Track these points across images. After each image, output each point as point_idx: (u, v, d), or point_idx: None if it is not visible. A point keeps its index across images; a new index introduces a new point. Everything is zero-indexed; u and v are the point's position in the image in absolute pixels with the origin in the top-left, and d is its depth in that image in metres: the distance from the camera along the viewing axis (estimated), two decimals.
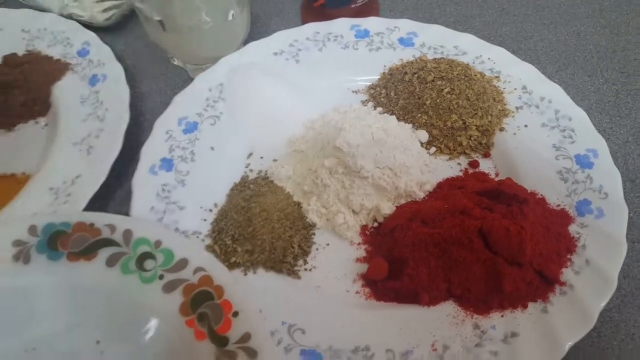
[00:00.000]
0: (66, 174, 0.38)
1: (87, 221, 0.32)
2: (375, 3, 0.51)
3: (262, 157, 0.40)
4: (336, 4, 0.48)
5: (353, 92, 0.45)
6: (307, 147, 0.39)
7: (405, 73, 0.43)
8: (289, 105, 0.43)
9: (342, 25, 0.47)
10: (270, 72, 0.44)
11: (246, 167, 0.40)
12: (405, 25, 0.47)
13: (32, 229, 0.32)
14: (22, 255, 0.31)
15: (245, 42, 0.46)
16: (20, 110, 0.43)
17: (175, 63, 0.48)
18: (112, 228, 0.32)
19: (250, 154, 0.41)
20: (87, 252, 0.31)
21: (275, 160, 0.40)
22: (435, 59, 0.44)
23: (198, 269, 0.30)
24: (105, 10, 0.48)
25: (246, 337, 0.28)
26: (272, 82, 0.43)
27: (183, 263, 0.31)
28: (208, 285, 0.30)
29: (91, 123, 0.41)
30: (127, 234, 0.32)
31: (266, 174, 0.39)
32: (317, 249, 0.36)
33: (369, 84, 0.45)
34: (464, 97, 0.41)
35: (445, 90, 0.41)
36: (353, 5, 0.48)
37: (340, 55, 0.46)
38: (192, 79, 0.46)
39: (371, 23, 0.48)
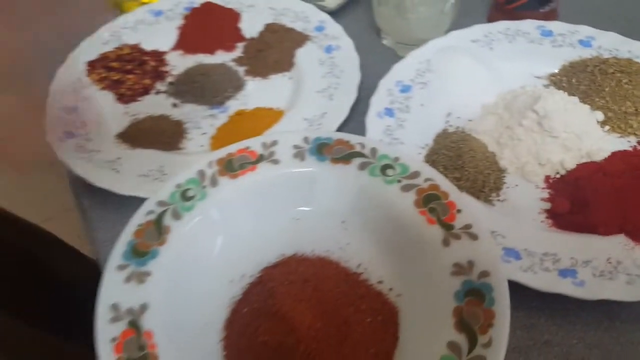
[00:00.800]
0: (315, 111, 0.51)
1: (344, 139, 0.44)
2: (556, 12, 0.60)
3: (459, 117, 0.51)
4: (526, 8, 0.58)
5: (536, 77, 0.54)
6: (502, 110, 0.49)
7: (587, 65, 0.51)
8: (482, 80, 0.53)
9: (529, 25, 0.57)
10: (469, 54, 0.54)
11: (446, 122, 0.50)
12: (584, 30, 0.56)
13: (306, 139, 0.44)
14: (299, 155, 0.44)
15: (448, 31, 0.56)
16: (273, 65, 0.57)
17: (385, 43, 0.60)
18: (362, 145, 0.43)
19: (450, 114, 0.51)
20: (344, 158, 0.43)
21: (470, 120, 0.50)
22: (615, 56, 0.52)
23: (428, 179, 0.41)
24: None
25: (468, 226, 0.38)
26: (470, 61, 0.53)
27: (416, 174, 0.41)
28: (436, 190, 0.40)
29: (330, 79, 0.53)
30: (373, 150, 0.43)
31: (463, 129, 0.49)
32: (507, 187, 0.45)
33: (550, 72, 0.54)
34: (639, 89, 0.48)
35: (624, 81, 0.49)
36: (541, 10, 0.58)
37: (526, 48, 0.55)
38: (399, 56, 0.57)
39: (554, 25, 0.57)
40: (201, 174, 0.43)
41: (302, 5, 0.61)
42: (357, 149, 0.43)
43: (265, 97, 0.55)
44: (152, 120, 0.53)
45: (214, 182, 0.42)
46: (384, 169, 0.42)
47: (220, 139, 0.51)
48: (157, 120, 0.53)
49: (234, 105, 0.54)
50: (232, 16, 0.62)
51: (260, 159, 0.44)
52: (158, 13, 0.64)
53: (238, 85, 0.55)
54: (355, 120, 0.51)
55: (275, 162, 0.44)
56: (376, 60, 0.59)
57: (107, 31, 0.61)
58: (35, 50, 0.55)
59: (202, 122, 0.53)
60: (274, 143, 0.44)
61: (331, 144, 0.44)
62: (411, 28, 0.55)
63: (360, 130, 0.49)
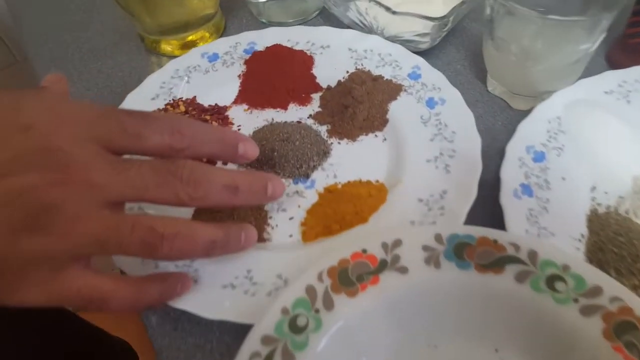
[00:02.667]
0: (431, 189, 0.41)
1: (491, 237, 0.34)
2: None
3: (606, 193, 0.41)
4: None
5: None
6: None
7: None
8: (628, 144, 0.43)
9: None
10: (605, 110, 0.44)
11: (592, 199, 0.41)
12: None
13: (438, 237, 0.35)
14: (432, 259, 0.34)
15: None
16: (362, 124, 0.47)
17: (490, 90, 0.50)
18: (516, 247, 0.34)
19: (594, 188, 0.41)
20: (494, 265, 0.33)
21: (621, 197, 0.41)
22: None
23: (614, 298, 0.31)
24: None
25: None
26: (613, 121, 0.44)
27: (597, 290, 0.32)
28: (629, 315, 0.30)
29: (440, 143, 0.43)
30: (532, 254, 0.33)
31: (617, 209, 0.40)
32: None
33: None
34: None
35: None
36: None
37: None
38: (510, 108, 0.48)
39: None
40: (311, 291, 0.33)
41: (388, 46, 0.51)
42: (510, 252, 0.34)
43: (357, 165, 0.45)
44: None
45: (328, 304, 0.33)
46: (551, 281, 0.33)
47: (312, 226, 0.41)
48: None
49: (320, 177, 0.44)
50: (304, 60, 0.52)
51: (382, 266, 0.34)
52: (213, 58, 0.54)
53: (323, 151, 0.45)
54: (477, 196, 0.41)
55: (403, 270, 0.34)
56: (482, 112, 0.49)
57: (154, 82, 0.51)
58: None
59: (286, 202, 0.43)
60: (398, 243, 0.35)
61: (473, 245, 0.34)
62: (536, 79, 0.45)
63: (489, 212, 0.40)
